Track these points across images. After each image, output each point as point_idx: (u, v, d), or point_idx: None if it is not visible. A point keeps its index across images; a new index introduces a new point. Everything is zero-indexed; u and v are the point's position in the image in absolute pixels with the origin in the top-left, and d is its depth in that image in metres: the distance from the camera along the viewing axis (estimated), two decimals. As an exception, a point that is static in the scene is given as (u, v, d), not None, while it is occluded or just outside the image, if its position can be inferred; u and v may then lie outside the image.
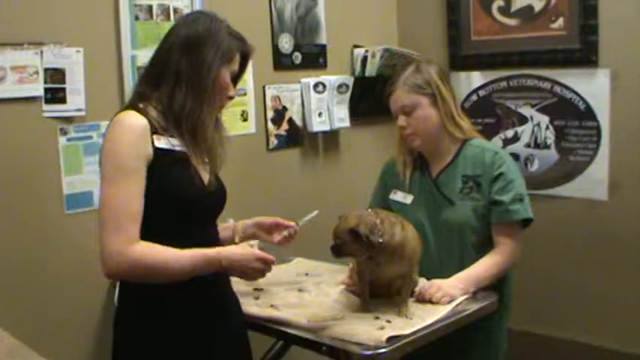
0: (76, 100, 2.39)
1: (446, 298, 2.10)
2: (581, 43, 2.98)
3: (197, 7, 2.68)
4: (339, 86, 3.21)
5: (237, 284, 2.13)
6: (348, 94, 3.25)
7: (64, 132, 2.39)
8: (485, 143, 2.42)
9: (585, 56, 2.98)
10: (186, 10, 2.64)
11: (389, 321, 1.96)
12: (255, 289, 2.27)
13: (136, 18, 2.55)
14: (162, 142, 1.79)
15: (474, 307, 2.11)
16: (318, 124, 3.16)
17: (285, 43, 3.07)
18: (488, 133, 3.18)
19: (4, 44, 2.23)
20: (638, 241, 2.92)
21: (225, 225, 2.13)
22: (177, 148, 1.82)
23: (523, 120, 3.21)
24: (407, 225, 2.07)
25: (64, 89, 2.37)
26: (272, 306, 2.12)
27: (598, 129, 2.99)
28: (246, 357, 2.05)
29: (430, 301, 2.09)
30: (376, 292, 2.10)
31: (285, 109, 3.09)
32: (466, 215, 2.31)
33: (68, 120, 2.40)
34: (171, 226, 1.79)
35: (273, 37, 3.04)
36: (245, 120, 2.94)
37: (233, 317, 1.99)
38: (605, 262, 3.01)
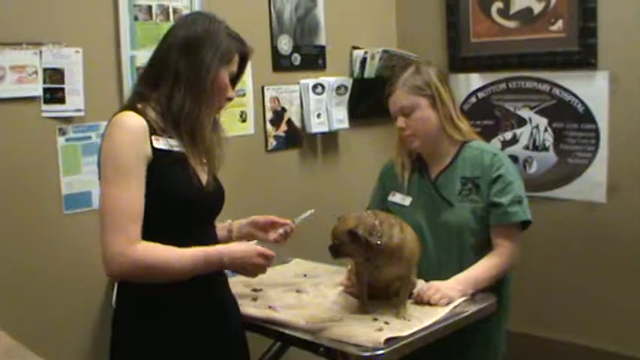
0: (74, 101, 2.39)
1: (444, 299, 2.10)
2: (580, 45, 2.98)
3: (196, 7, 2.68)
4: (338, 87, 3.21)
5: (235, 285, 2.13)
6: (347, 96, 3.25)
7: (62, 132, 2.38)
8: (484, 145, 2.42)
9: (584, 59, 2.98)
10: (186, 11, 2.64)
11: (387, 322, 1.96)
12: (253, 290, 2.27)
13: (136, 18, 2.55)
14: (160, 143, 1.79)
15: (473, 308, 2.11)
16: (316, 126, 3.15)
17: (285, 44, 3.07)
18: (487, 134, 3.18)
19: (3, 44, 2.23)
20: (636, 243, 2.92)
21: (222, 225, 2.13)
22: (176, 149, 1.82)
23: (522, 122, 3.21)
24: (406, 227, 2.07)
25: (62, 89, 2.37)
26: (270, 307, 2.12)
27: (597, 131, 2.99)
28: (244, 358, 2.04)
29: (428, 303, 2.09)
30: (374, 293, 2.10)
31: (284, 110, 3.09)
32: (465, 217, 2.31)
33: (67, 120, 2.39)
34: (170, 227, 1.79)
35: (273, 38, 3.03)
36: (244, 121, 2.94)
37: (231, 318, 1.99)
38: (604, 265, 3.01)
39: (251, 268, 1.89)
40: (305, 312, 2.06)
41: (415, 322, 1.97)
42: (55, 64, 2.34)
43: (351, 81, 3.28)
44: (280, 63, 3.06)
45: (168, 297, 1.80)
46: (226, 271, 2.03)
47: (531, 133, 3.18)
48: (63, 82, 2.36)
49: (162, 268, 1.75)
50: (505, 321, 2.41)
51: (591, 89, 2.99)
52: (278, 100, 3.07)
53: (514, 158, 3.12)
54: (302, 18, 3.14)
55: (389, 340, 1.83)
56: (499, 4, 3.23)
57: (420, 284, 2.18)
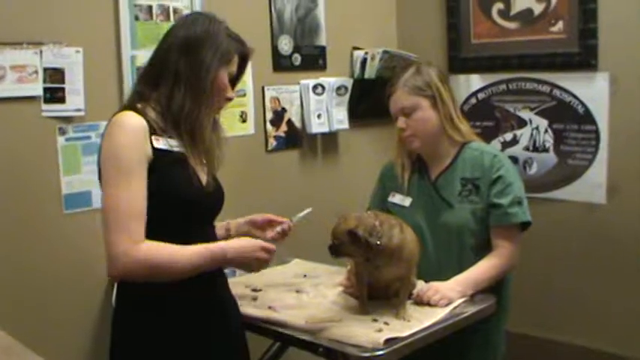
0: (75, 100, 2.39)
1: (444, 300, 2.10)
2: (580, 46, 2.98)
3: (197, 7, 2.68)
4: (339, 88, 3.21)
5: (235, 286, 2.13)
6: (347, 96, 3.25)
7: (62, 132, 2.38)
8: (484, 146, 2.43)
9: (584, 60, 2.98)
10: (186, 11, 2.64)
11: (387, 323, 1.96)
12: (253, 290, 2.27)
13: (136, 18, 2.55)
14: (160, 143, 1.80)
15: (472, 309, 2.11)
16: (317, 126, 3.16)
17: (285, 44, 3.07)
18: (487, 136, 3.18)
19: (3, 43, 2.23)
20: (636, 244, 2.92)
21: (220, 224, 2.13)
22: (176, 149, 1.82)
23: (522, 123, 3.21)
24: (406, 227, 2.07)
25: (63, 89, 2.37)
26: (270, 307, 2.11)
27: (597, 132, 2.99)
28: (244, 358, 2.04)
29: (428, 304, 2.09)
30: (374, 294, 2.10)
31: (284, 110, 3.09)
32: (465, 218, 2.31)
33: (67, 120, 2.39)
34: (170, 227, 1.79)
35: (273, 39, 3.04)
36: (244, 121, 2.94)
37: (231, 318, 1.99)
38: (603, 266, 3.01)
39: (253, 262, 1.89)
40: (305, 312, 2.06)
41: (415, 322, 1.97)
42: (56, 63, 2.34)
43: (351, 81, 3.28)
44: (281, 63, 3.07)
45: (168, 297, 1.80)
46: (226, 271, 2.03)
47: (531, 134, 3.18)
48: (63, 82, 2.36)
49: (167, 267, 1.75)
50: (504, 322, 2.41)
51: (591, 90, 2.99)
52: (278, 101, 3.07)
53: (514, 159, 3.12)
54: (302, 18, 3.14)
55: (388, 341, 1.83)
56: (499, 5, 3.23)
57: (420, 285, 2.18)
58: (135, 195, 1.72)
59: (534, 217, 2.30)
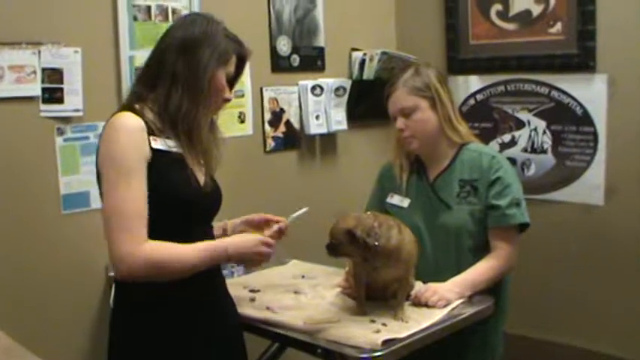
0: (73, 101, 2.39)
1: (442, 301, 2.10)
2: (578, 48, 2.99)
3: (195, 8, 2.68)
4: (337, 89, 3.21)
5: (233, 287, 2.13)
6: (346, 97, 3.25)
7: (61, 132, 2.38)
8: (483, 147, 2.43)
9: (583, 61, 2.98)
10: (185, 11, 2.64)
11: (385, 324, 1.96)
12: (251, 291, 2.27)
13: (135, 18, 2.55)
14: (158, 144, 1.80)
15: (470, 310, 2.11)
16: (315, 127, 3.16)
17: (283, 45, 3.07)
18: (486, 137, 3.18)
19: (1, 43, 2.23)
20: (633, 245, 2.92)
21: (217, 224, 2.13)
22: (174, 150, 1.82)
23: (520, 124, 3.22)
24: (404, 228, 2.07)
25: (61, 89, 2.37)
26: (268, 308, 2.11)
27: (595, 134, 2.99)
28: (241, 359, 2.04)
29: (426, 305, 2.09)
30: (372, 295, 2.10)
31: (282, 111, 3.09)
32: (463, 219, 2.31)
33: (65, 120, 2.39)
34: (168, 227, 1.79)
35: (271, 39, 3.03)
36: (242, 122, 2.93)
37: (229, 319, 1.99)
38: (602, 267, 3.02)
39: (255, 257, 1.90)
40: (303, 313, 2.06)
41: (413, 323, 1.97)
42: (54, 63, 2.34)
43: (349, 82, 3.28)
44: (279, 64, 3.06)
45: (166, 298, 1.80)
46: (224, 272, 2.03)
47: (530, 136, 3.19)
48: (62, 82, 2.36)
49: (171, 265, 1.75)
50: (503, 323, 2.41)
51: (590, 92, 2.99)
52: (277, 101, 3.07)
53: (512, 161, 3.12)
54: (301, 19, 3.14)
55: (386, 342, 1.83)
56: (498, 7, 3.23)
57: (418, 286, 2.18)
58: (136, 195, 1.72)
59: (532, 219, 2.31)
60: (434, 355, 2.05)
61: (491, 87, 3.29)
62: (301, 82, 3.13)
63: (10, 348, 1.63)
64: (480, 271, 2.24)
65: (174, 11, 2.65)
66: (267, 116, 3.03)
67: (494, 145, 3.25)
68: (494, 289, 2.26)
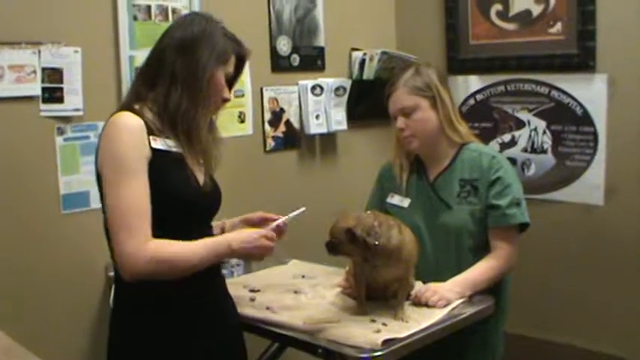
0: (73, 100, 2.39)
1: (442, 301, 2.09)
2: (578, 48, 2.99)
3: (195, 8, 2.68)
4: (337, 89, 3.21)
5: (233, 286, 2.13)
6: (346, 97, 3.25)
7: (61, 132, 2.38)
8: (483, 147, 2.43)
9: (583, 61, 2.98)
10: (185, 11, 2.64)
11: (385, 324, 1.96)
12: (251, 291, 2.27)
13: (135, 18, 2.55)
14: (158, 143, 1.79)
15: (470, 310, 2.11)
16: (315, 127, 3.16)
17: (284, 45, 3.07)
18: (486, 137, 3.18)
19: (1, 43, 2.23)
20: (633, 245, 2.92)
21: (215, 224, 2.13)
22: (174, 149, 1.82)
23: (520, 124, 3.22)
24: (404, 228, 2.07)
25: (61, 89, 2.37)
26: (268, 308, 2.11)
27: (595, 134, 3.00)
28: (241, 359, 2.04)
29: (426, 305, 2.09)
30: (372, 295, 2.10)
31: (282, 111, 3.09)
32: (463, 219, 2.31)
33: (65, 120, 2.39)
34: (168, 227, 1.78)
35: (272, 39, 3.04)
36: (242, 121, 2.93)
37: (229, 319, 1.99)
38: (602, 267, 3.02)
39: (257, 250, 1.89)
40: (303, 313, 2.05)
41: (413, 323, 1.97)
42: (54, 63, 2.34)
43: (349, 82, 3.28)
44: (279, 64, 3.07)
45: (166, 298, 1.80)
46: (224, 271, 2.03)
47: (530, 136, 3.19)
48: (62, 82, 2.36)
49: (176, 262, 1.75)
50: (503, 323, 2.41)
51: (590, 92, 2.99)
52: (277, 101, 3.07)
53: (512, 161, 3.12)
54: (301, 19, 3.14)
55: (387, 342, 1.83)
56: (498, 7, 3.23)
57: (418, 286, 2.18)
58: (138, 194, 1.72)
59: (532, 219, 2.31)
60: (434, 355, 2.05)
61: (491, 87, 3.29)
62: (301, 82, 3.13)
63: (10, 348, 1.63)
64: (481, 270, 2.24)
65: (174, 11, 2.65)
66: (267, 116, 3.03)
67: (494, 145, 3.25)
68: (494, 288, 2.26)
